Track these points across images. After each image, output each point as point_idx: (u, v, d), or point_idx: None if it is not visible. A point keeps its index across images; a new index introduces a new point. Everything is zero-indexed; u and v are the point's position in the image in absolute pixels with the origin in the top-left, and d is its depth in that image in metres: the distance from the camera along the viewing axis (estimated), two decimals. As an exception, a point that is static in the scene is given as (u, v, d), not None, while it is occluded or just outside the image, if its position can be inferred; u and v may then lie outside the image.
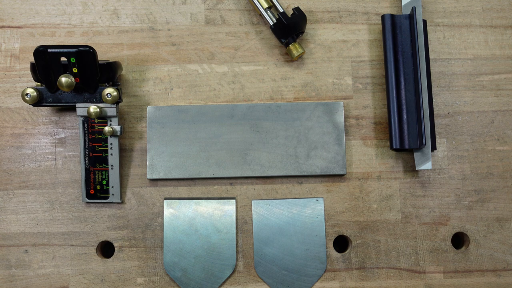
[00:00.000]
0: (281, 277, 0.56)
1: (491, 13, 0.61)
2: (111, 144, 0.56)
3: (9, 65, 0.59)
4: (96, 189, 0.56)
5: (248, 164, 0.57)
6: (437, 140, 0.59)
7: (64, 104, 0.55)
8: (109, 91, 0.54)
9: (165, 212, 0.57)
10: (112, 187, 0.56)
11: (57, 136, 0.58)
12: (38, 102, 0.55)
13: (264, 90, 0.60)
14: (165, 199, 0.57)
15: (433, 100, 0.60)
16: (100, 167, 0.56)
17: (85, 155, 0.56)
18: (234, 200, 0.58)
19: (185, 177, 0.57)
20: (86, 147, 0.56)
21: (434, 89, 0.60)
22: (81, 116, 0.56)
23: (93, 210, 0.57)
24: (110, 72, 0.54)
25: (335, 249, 0.57)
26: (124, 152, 0.58)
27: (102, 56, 0.60)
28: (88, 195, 0.56)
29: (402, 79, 0.57)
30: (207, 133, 0.58)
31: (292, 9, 0.58)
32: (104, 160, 0.56)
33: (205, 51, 0.60)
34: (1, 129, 0.58)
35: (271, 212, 0.57)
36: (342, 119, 0.58)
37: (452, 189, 0.58)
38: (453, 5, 0.62)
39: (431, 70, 0.60)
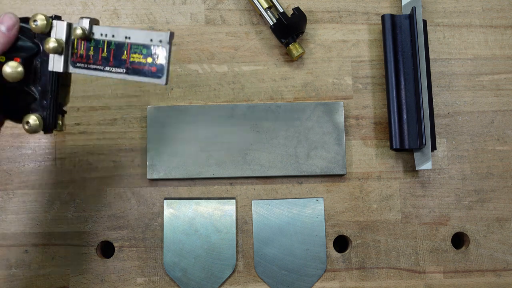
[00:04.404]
0: (281, 277, 0.56)
1: (491, 13, 0.61)
2: None
3: (9, 65, 0.59)
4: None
5: (248, 164, 0.57)
6: (437, 140, 0.59)
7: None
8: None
9: (165, 212, 0.57)
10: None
11: (57, 136, 0.58)
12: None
13: (264, 90, 0.60)
14: (165, 199, 0.57)
15: (433, 100, 0.60)
16: None
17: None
18: (234, 200, 0.58)
19: (185, 177, 0.57)
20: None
21: (434, 89, 0.60)
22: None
23: (93, 210, 0.57)
24: None
25: (335, 249, 0.57)
26: (124, 152, 0.58)
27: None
28: None
29: (402, 79, 0.57)
30: (207, 133, 0.58)
31: (292, 9, 0.58)
32: None
33: (205, 51, 0.60)
34: (1, 129, 0.58)
35: (271, 212, 0.57)
36: (342, 119, 0.58)
37: (452, 189, 0.58)
38: (453, 5, 0.62)
39: (431, 70, 0.60)
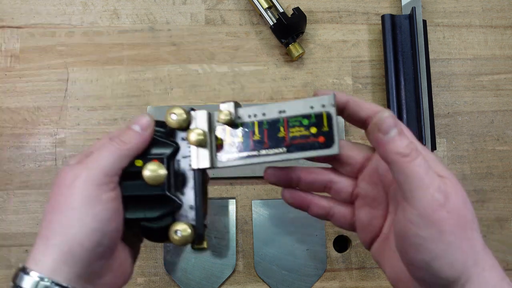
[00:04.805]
0: (281, 277, 0.56)
1: (491, 13, 0.61)
2: None
3: (9, 65, 0.59)
4: None
5: (248, 164, 0.57)
6: (437, 140, 0.59)
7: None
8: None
9: (165, 212, 0.57)
10: None
11: (57, 136, 0.58)
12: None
13: (264, 90, 0.60)
14: (165, 199, 0.57)
15: (433, 100, 0.60)
16: None
17: None
18: (234, 200, 0.58)
19: (185, 177, 0.57)
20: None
21: (434, 89, 0.60)
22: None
23: (93, 210, 0.57)
24: None
25: (335, 249, 0.57)
26: (124, 152, 0.58)
27: (102, 56, 0.60)
28: None
29: (402, 79, 0.57)
30: (207, 133, 0.58)
31: (292, 9, 0.58)
32: None
33: (205, 51, 0.60)
34: (1, 129, 0.58)
35: (271, 212, 0.57)
36: (342, 119, 0.58)
37: (452, 189, 0.58)
38: (453, 5, 0.62)
39: (431, 70, 0.60)
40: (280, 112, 0.37)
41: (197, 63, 0.60)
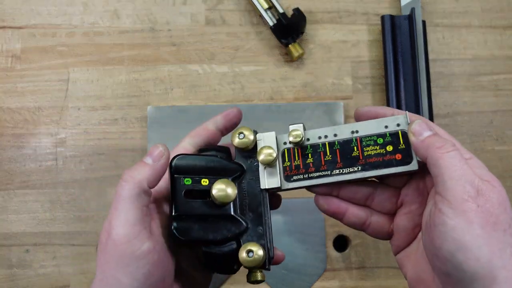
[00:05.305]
0: (281, 276, 0.56)
1: (491, 13, 0.62)
2: None
3: (10, 65, 0.59)
4: None
5: (248, 164, 0.57)
6: (437, 140, 0.59)
7: None
8: None
9: (165, 212, 0.57)
10: None
11: (57, 136, 0.59)
12: None
13: (264, 90, 0.60)
14: (166, 199, 0.58)
15: (433, 100, 0.60)
16: None
17: None
18: (234, 200, 0.58)
19: (186, 177, 0.57)
20: None
21: (433, 90, 0.60)
22: None
23: (93, 210, 0.58)
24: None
25: (334, 249, 0.58)
26: (124, 152, 0.59)
27: (103, 56, 0.60)
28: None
29: (401, 80, 0.58)
30: (207, 133, 0.58)
31: (292, 10, 0.58)
32: None
33: (205, 52, 0.60)
34: (2, 129, 0.58)
35: (271, 211, 0.57)
36: (342, 120, 0.58)
37: (451, 189, 0.59)
38: (452, 6, 0.62)
39: (431, 71, 0.60)
40: (352, 132, 0.37)
41: (197, 63, 0.60)
